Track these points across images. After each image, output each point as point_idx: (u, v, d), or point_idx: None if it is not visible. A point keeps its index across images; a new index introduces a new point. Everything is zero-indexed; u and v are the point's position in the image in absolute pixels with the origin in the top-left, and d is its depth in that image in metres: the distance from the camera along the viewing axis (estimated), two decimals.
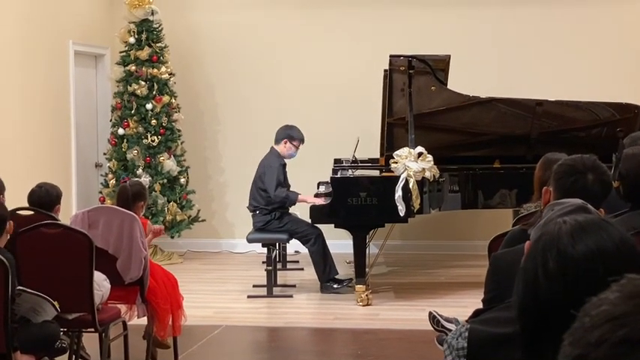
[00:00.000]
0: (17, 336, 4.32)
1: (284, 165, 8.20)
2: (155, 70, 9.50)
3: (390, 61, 7.76)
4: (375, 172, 8.37)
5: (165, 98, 9.54)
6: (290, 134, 8.19)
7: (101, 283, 5.17)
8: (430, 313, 4.89)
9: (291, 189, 8.24)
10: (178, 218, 9.56)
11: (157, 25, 9.68)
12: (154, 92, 9.50)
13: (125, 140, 9.48)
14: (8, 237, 4.50)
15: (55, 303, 4.48)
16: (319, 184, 8.78)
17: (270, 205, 8.06)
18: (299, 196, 8.07)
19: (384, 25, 10.01)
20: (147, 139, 9.43)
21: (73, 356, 5.31)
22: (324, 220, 7.65)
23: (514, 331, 1.51)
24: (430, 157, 7.35)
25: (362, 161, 8.68)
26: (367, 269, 7.72)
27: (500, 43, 9.89)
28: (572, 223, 1.46)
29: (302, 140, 8.22)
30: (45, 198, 5.55)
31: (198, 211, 9.85)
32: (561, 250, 1.42)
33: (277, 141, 8.24)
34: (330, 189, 7.70)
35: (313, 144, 8.85)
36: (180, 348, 5.95)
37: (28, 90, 8.44)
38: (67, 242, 5.00)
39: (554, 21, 9.88)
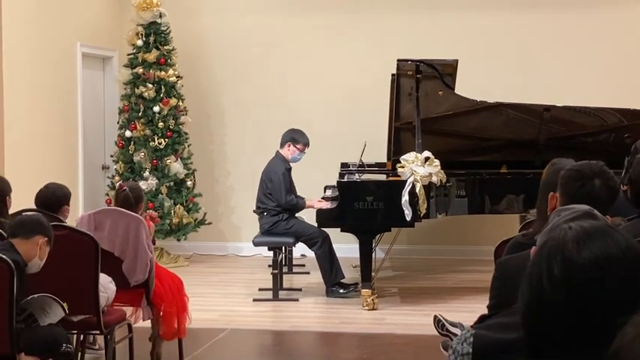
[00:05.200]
0: (22, 338, 4.32)
1: (289, 169, 8.19)
2: (162, 73, 9.51)
3: (398, 65, 7.75)
4: (382, 177, 8.37)
5: (173, 101, 9.54)
6: (293, 137, 8.19)
7: (107, 285, 5.17)
8: (435, 316, 4.87)
9: (297, 193, 8.23)
10: (185, 221, 9.56)
11: (165, 27, 9.69)
12: (162, 95, 9.50)
13: (132, 143, 9.49)
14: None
15: (65, 304, 4.48)
16: (326, 187, 8.78)
17: (279, 207, 8.05)
18: (306, 202, 8.08)
19: (391, 30, 10.00)
20: (154, 141, 9.44)
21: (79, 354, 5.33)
22: (330, 223, 7.64)
23: (519, 336, 1.50)
24: (437, 162, 7.33)
25: (369, 165, 8.67)
26: (373, 273, 7.71)
27: (509, 49, 9.88)
28: (577, 229, 1.45)
29: (306, 144, 8.21)
30: (51, 198, 5.55)
31: (205, 214, 9.85)
32: (566, 256, 1.41)
33: (282, 144, 8.24)
34: (337, 193, 7.70)
35: (320, 148, 8.85)
36: (186, 351, 5.95)
37: (36, 91, 8.46)
38: (72, 244, 4.99)
39: (563, 26, 9.86)
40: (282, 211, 8.06)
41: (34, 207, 5.58)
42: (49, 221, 5.17)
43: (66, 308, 4.48)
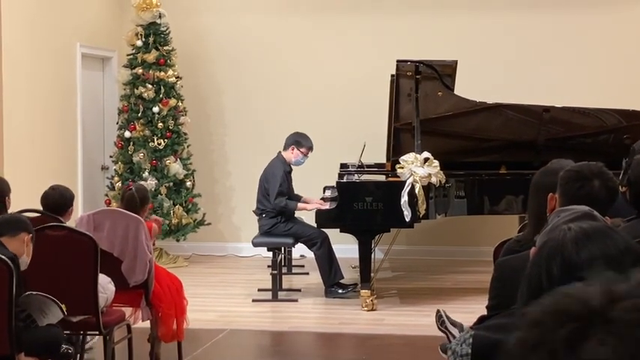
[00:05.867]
0: (21, 338, 4.31)
1: (289, 172, 8.18)
2: (162, 73, 9.51)
3: (397, 66, 7.75)
4: (381, 177, 8.37)
5: (172, 101, 9.54)
6: (298, 140, 8.19)
7: (106, 285, 5.17)
8: (438, 311, 4.77)
9: (295, 194, 8.24)
10: (184, 222, 9.56)
11: (165, 28, 9.69)
12: (161, 95, 9.50)
13: (131, 143, 9.49)
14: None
15: (63, 306, 4.48)
16: (325, 188, 8.78)
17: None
18: (298, 204, 8.06)
19: (391, 30, 10.00)
20: (153, 142, 9.44)
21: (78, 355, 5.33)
22: (329, 224, 7.64)
23: None
24: (436, 163, 7.33)
25: (368, 166, 8.67)
26: (372, 274, 7.70)
27: (508, 49, 9.88)
28: (576, 230, 1.45)
29: (310, 148, 8.20)
30: (59, 201, 5.56)
31: (204, 214, 9.85)
32: (565, 257, 1.41)
33: (285, 147, 8.23)
34: (336, 193, 7.70)
35: (320, 148, 8.82)
36: (185, 351, 5.95)
37: (35, 92, 8.45)
38: (72, 245, 5.00)
39: (562, 27, 9.86)
40: (280, 212, 8.06)
41: (33, 208, 5.59)
42: (50, 222, 5.19)
43: (64, 310, 4.47)
